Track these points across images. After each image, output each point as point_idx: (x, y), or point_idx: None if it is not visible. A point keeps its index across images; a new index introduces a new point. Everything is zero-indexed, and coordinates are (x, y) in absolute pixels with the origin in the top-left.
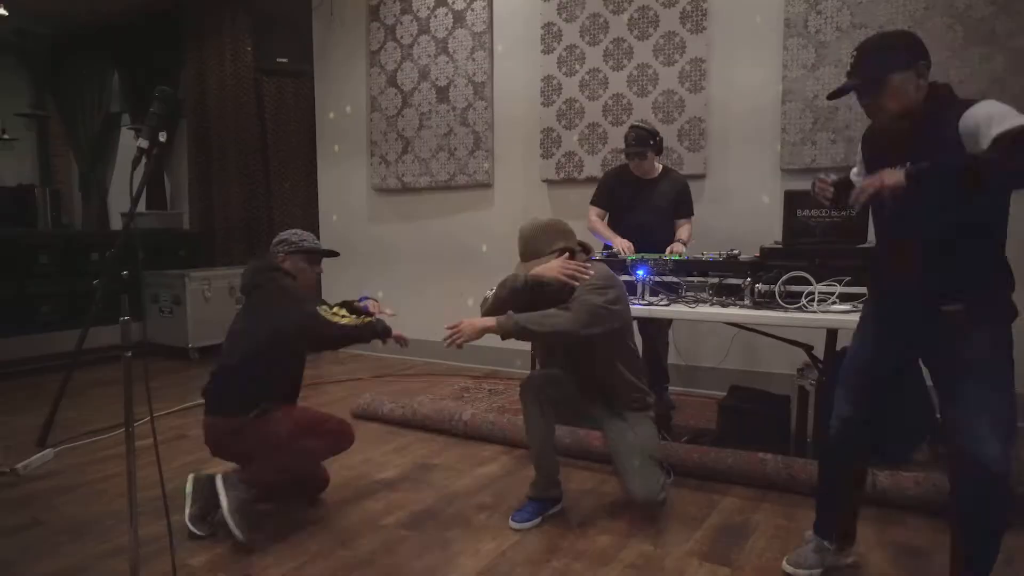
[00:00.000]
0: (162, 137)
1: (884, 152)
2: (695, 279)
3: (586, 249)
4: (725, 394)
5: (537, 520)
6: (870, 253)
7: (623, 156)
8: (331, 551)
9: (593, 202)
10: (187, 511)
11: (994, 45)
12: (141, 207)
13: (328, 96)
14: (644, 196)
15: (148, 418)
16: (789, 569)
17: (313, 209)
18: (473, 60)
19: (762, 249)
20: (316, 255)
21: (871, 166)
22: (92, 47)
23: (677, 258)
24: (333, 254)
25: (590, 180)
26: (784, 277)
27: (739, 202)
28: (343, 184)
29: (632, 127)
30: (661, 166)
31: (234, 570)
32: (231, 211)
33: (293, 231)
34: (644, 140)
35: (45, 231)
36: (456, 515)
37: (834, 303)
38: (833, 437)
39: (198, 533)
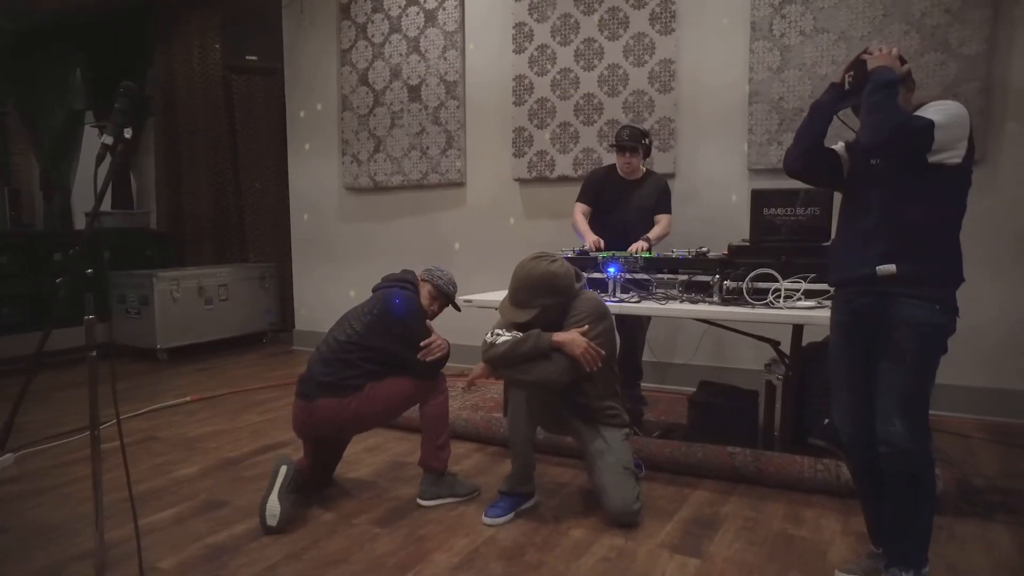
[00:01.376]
0: (127, 134)
1: None
2: (665, 276)
3: (577, 276)
4: (695, 391)
5: (511, 515)
6: (829, 250)
7: (600, 156)
8: (303, 550)
9: (579, 199)
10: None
11: (948, 52)
12: (106, 206)
13: (299, 94)
14: (628, 196)
15: (114, 420)
16: None
17: (284, 208)
18: (445, 59)
19: (730, 247)
20: (445, 299)
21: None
22: (55, 42)
23: (647, 256)
24: (456, 307)
25: (562, 179)
26: (751, 274)
27: (708, 201)
28: (314, 183)
29: (625, 126)
30: (645, 168)
31: (204, 571)
32: (200, 210)
33: (441, 269)
34: (637, 137)
35: (5, 231)
36: (429, 512)
37: (799, 299)
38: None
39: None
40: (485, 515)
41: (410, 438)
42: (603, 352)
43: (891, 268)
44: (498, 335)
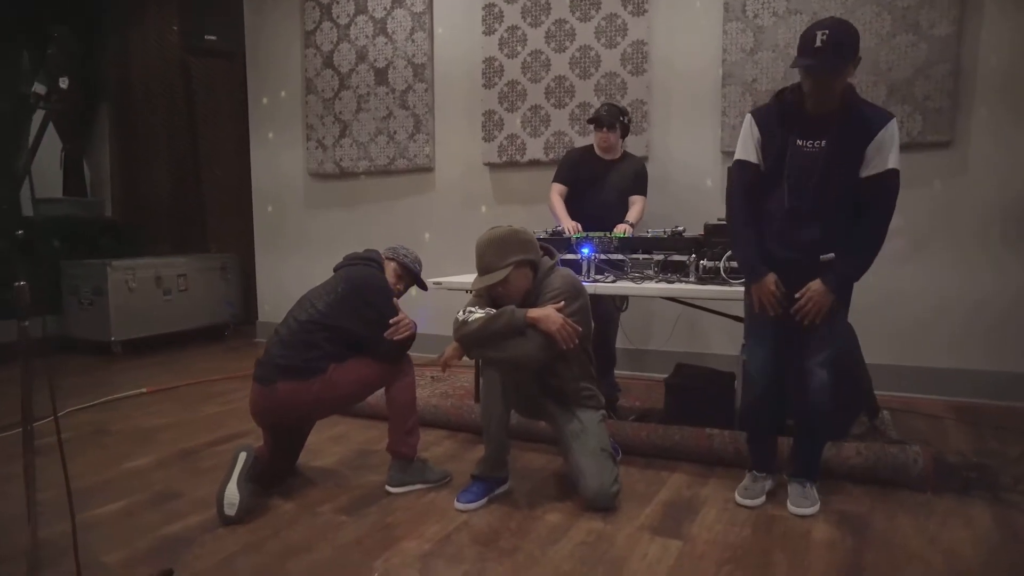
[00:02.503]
0: (63, 83)
1: (792, 129)
2: (640, 257)
3: (550, 253)
4: (670, 374)
5: (483, 500)
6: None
7: (572, 139)
8: (263, 541)
9: (556, 179)
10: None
11: (918, 34)
12: (56, 193)
13: (261, 78)
14: (605, 176)
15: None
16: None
17: (247, 197)
18: (413, 41)
19: (706, 226)
20: (411, 277)
21: (774, 141)
22: (2, 24)
23: (621, 236)
24: (422, 286)
25: (533, 163)
26: (728, 253)
27: (681, 185)
28: (278, 170)
29: (604, 103)
30: (623, 149)
31: (153, 565)
32: (159, 199)
33: (406, 247)
34: (615, 114)
35: None
36: (398, 499)
37: None
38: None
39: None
40: (457, 500)
41: (378, 426)
42: (580, 328)
43: None
44: (471, 312)
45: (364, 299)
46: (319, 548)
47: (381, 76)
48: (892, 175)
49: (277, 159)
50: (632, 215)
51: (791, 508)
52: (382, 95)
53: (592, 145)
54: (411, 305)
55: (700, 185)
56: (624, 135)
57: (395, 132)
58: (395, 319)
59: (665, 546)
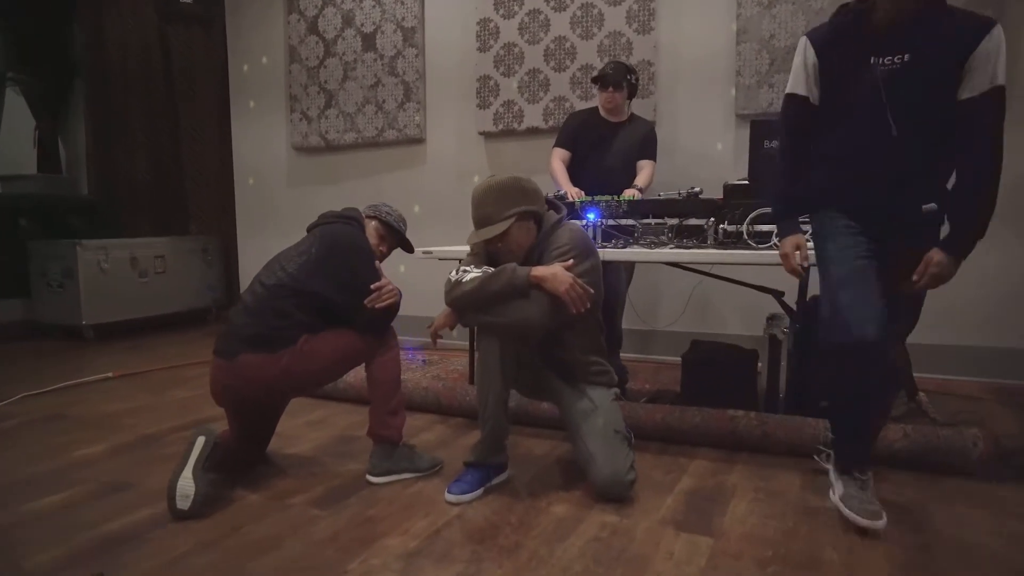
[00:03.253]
0: None
1: (863, 46)
2: (652, 222)
3: (556, 208)
4: (687, 350)
5: (479, 491)
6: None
7: (573, 105)
8: (221, 538)
9: (557, 144)
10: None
11: None
12: (31, 170)
13: (241, 46)
14: (610, 140)
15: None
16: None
17: (228, 172)
18: (402, 3)
19: (726, 187)
20: (394, 237)
21: (841, 63)
22: None
23: (631, 200)
24: (407, 247)
25: (531, 132)
26: (752, 214)
27: (691, 151)
28: (260, 144)
29: (610, 60)
30: (631, 111)
31: (87, 567)
32: (137, 178)
33: (389, 205)
34: (622, 72)
35: None
36: (381, 491)
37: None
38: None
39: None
40: (448, 491)
41: (362, 411)
42: (591, 291)
43: None
44: (465, 272)
45: (341, 261)
46: (287, 545)
47: (369, 42)
48: (999, 95)
49: (259, 133)
50: (641, 180)
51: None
52: (370, 62)
53: (597, 107)
54: (396, 281)
55: (711, 151)
56: (631, 96)
57: (384, 101)
58: (377, 284)
59: (693, 543)
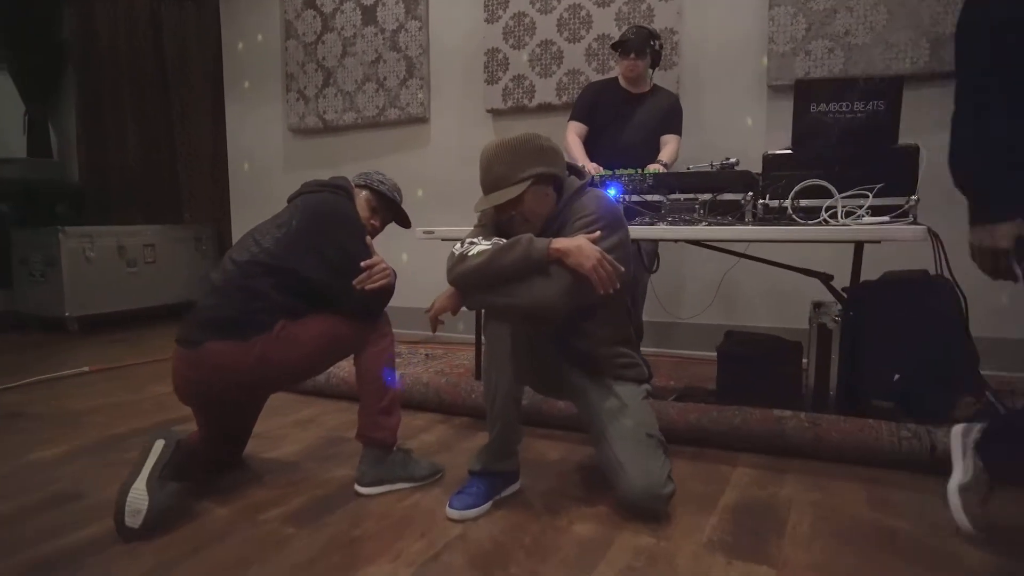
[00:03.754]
0: None
1: None
2: (681, 198)
3: (578, 173)
4: (721, 342)
5: (486, 506)
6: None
7: (588, 78)
8: (172, 562)
9: (572, 117)
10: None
11: None
12: (20, 153)
13: (236, 23)
14: (631, 112)
15: None
16: None
17: (223, 158)
18: None
19: (766, 156)
20: (388, 209)
21: None
22: None
23: (657, 173)
24: (403, 221)
25: (543, 108)
26: (797, 187)
27: (717, 127)
28: (255, 126)
29: (632, 26)
30: (653, 82)
31: None
32: (128, 163)
33: (382, 173)
34: (645, 37)
35: None
36: (370, 504)
37: (865, 215)
38: None
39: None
40: (450, 506)
41: (353, 408)
42: (622, 269)
43: None
44: (472, 244)
45: (326, 234)
46: (253, 572)
47: (369, 14)
48: None
49: (254, 114)
50: (665, 155)
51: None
52: (370, 36)
53: (616, 78)
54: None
55: (740, 127)
56: (655, 65)
57: (385, 78)
58: (368, 262)
59: (749, 574)
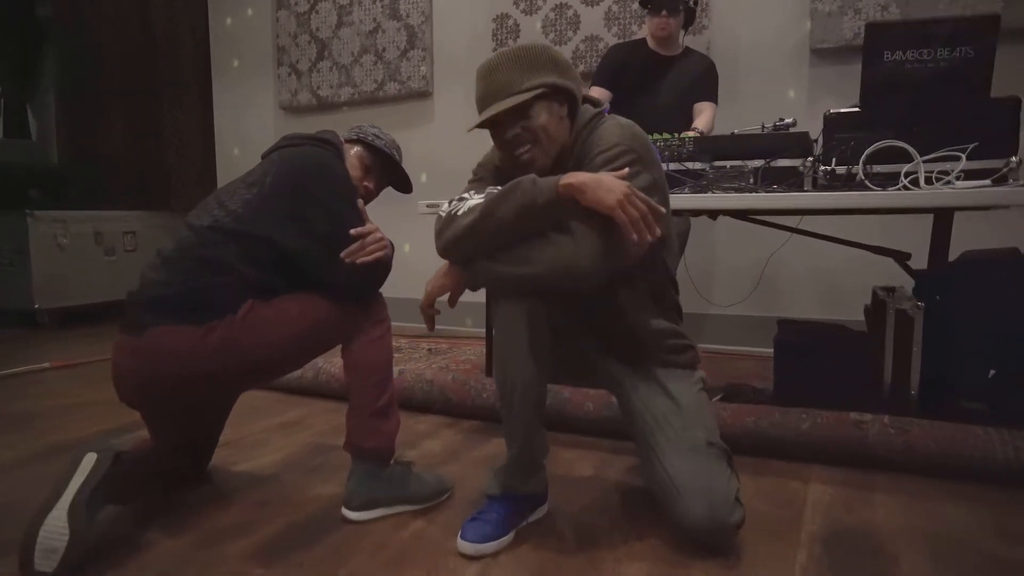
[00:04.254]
0: None
1: None
2: (727, 165)
3: (592, 102)
4: (777, 332)
5: (507, 537)
6: None
7: (608, 46)
8: None
9: (594, 82)
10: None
11: None
12: None
13: None
14: (660, 76)
15: None
16: None
17: (212, 141)
18: None
19: (829, 116)
20: (384, 166)
21: None
22: None
23: (697, 136)
24: (402, 186)
25: None
26: (870, 149)
27: (752, 96)
28: (245, 106)
29: None
30: (685, 44)
31: None
32: (112, 148)
33: (377, 126)
34: None
35: None
36: (362, 533)
37: (956, 179)
38: None
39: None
40: (462, 536)
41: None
42: (661, 210)
43: None
44: (462, 201)
45: (308, 195)
46: None
47: None
48: None
49: (243, 93)
50: (701, 124)
51: None
52: (367, 4)
53: (644, 39)
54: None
55: (780, 95)
56: (688, 24)
57: (384, 49)
58: (360, 230)
59: None
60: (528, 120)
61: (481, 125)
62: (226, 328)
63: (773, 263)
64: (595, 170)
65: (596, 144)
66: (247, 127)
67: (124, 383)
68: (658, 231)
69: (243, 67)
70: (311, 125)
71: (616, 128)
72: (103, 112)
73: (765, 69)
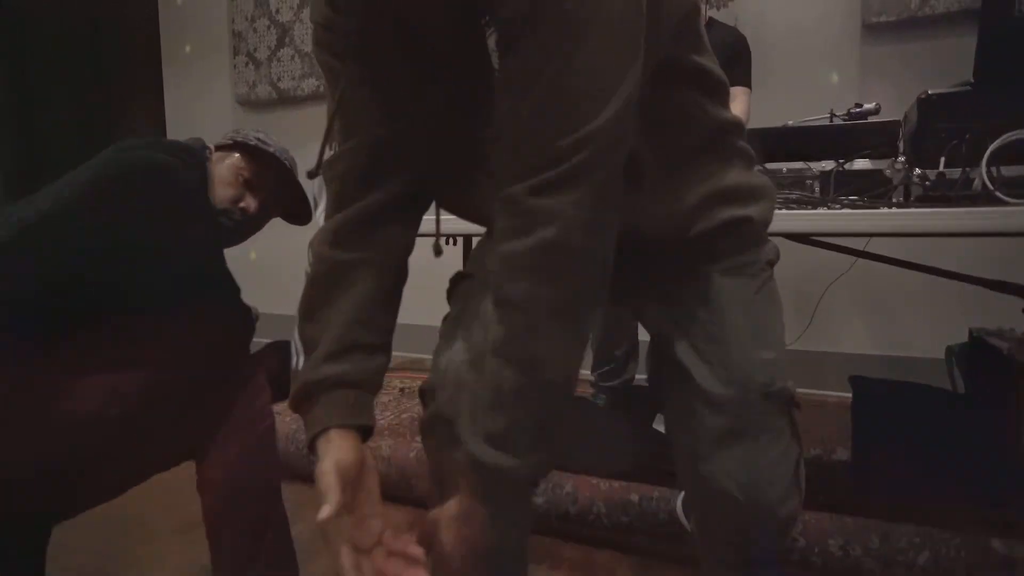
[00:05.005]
0: None
1: None
2: (783, 168)
3: None
4: (854, 394)
5: None
6: None
7: None
8: None
9: None
10: None
11: None
12: None
13: None
14: None
15: None
16: None
17: (163, 135)
18: None
19: (924, 99)
20: (273, 174)
21: None
22: None
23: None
24: (298, 198)
25: None
26: (996, 143)
27: (787, 78)
28: (197, 100)
29: None
30: (708, 15)
31: None
32: (57, 147)
33: (264, 132)
34: None
35: None
36: None
37: None
38: None
39: None
40: None
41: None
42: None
43: None
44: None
45: (124, 205)
46: None
47: None
48: None
49: (196, 86)
50: (735, 111)
51: None
52: None
53: None
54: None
55: (821, 78)
56: None
57: None
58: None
59: None
60: None
61: None
62: None
63: (817, 287)
64: None
65: None
66: (199, 123)
67: None
68: None
69: (196, 55)
70: (271, 122)
71: None
72: (46, 109)
73: (803, 49)
